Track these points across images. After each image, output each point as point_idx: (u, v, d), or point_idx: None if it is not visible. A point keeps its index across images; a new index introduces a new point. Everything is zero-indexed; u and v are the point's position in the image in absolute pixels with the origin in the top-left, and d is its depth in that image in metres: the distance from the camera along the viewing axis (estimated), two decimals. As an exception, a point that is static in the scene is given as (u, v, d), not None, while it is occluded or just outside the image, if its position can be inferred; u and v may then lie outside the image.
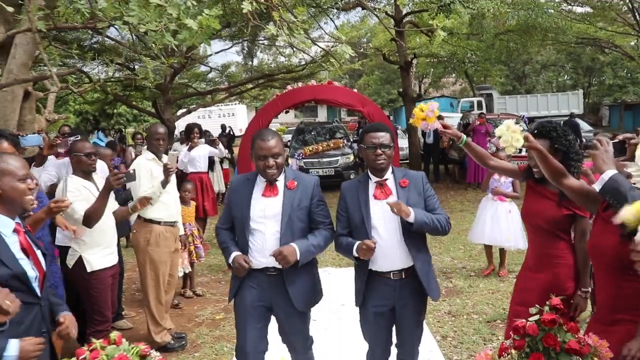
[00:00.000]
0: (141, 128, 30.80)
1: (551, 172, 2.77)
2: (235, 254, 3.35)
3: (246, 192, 3.42)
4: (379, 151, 3.31)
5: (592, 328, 2.47)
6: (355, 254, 3.29)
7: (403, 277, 3.36)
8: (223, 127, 20.10)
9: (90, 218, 3.86)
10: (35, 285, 2.47)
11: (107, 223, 4.13)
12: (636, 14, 17.81)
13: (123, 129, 29.65)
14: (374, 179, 3.42)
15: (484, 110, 28.12)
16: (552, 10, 16.55)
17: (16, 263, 2.37)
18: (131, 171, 4.26)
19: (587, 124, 26.11)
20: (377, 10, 12.17)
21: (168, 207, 4.96)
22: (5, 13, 4.24)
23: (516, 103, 31.32)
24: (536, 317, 2.15)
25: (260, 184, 3.42)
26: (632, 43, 22.47)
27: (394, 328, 3.55)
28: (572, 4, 16.95)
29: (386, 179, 3.41)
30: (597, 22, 19.03)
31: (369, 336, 3.58)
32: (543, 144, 3.04)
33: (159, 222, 4.91)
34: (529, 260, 3.45)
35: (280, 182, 3.42)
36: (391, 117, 41.40)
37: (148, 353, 2.19)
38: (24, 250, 2.45)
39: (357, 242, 3.26)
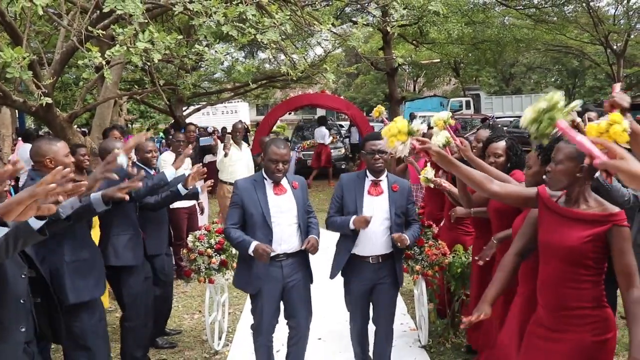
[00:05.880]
0: (149, 124, 32.28)
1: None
2: (255, 243, 3.61)
3: (260, 191, 3.77)
4: (377, 156, 3.79)
5: (533, 332, 2.70)
6: (352, 226, 3.76)
7: (380, 261, 3.89)
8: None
9: None
10: None
11: None
12: (597, 26, 20.02)
13: (131, 125, 31.32)
14: (370, 177, 3.90)
15: (472, 110, 30.26)
16: (522, 21, 18.82)
17: None
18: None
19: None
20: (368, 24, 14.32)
21: (233, 172, 7.38)
22: (102, 45, 6.22)
23: (502, 103, 32.87)
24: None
25: (269, 184, 3.79)
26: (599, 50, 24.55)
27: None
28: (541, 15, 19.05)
29: (381, 180, 3.90)
30: (568, 32, 21.24)
31: (352, 308, 4.06)
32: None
33: (225, 182, 7.52)
34: None
35: (284, 182, 3.84)
36: (387, 116, 43.23)
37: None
38: None
39: (354, 216, 3.77)
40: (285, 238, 3.75)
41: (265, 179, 3.79)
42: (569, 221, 2.51)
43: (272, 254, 3.64)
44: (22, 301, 2.78)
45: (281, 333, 4.04)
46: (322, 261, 4.17)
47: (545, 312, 2.63)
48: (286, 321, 3.96)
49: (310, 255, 3.89)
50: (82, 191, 2.22)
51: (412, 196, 4.02)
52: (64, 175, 2.03)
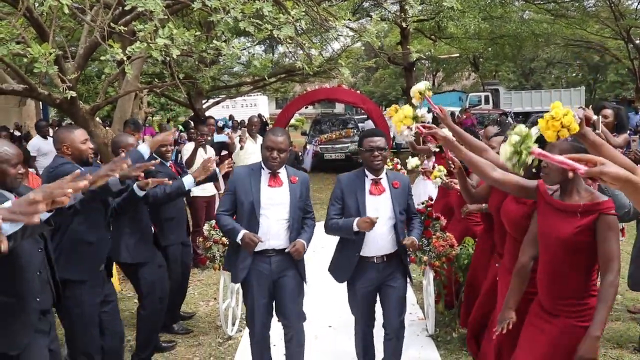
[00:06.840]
0: (168, 117, 32.66)
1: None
2: (243, 231, 3.58)
3: (254, 181, 3.67)
4: (376, 153, 3.62)
5: (533, 311, 2.86)
6: (355, 227, 3.56)
7: (385, 260, 3.77)
8: (260, 115, 22.50)
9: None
10: None
11: None
12: (619, 20, 19.79)
13: (151, 117, 31.64)
14: (370, 176, 3.73)
15: (491, 105, 30.09)
16: (542, 15, 18.72)
17: None
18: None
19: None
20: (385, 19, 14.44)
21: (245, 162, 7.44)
22: (124, 40, 6.39)
23: (521, 98, 32.64)
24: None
25: (265, 175, 3.70)
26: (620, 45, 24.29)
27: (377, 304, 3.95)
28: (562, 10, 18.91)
29: (381, 178, 3.74)
30: (588, 27, 21.06)
31: (356, 311, 3.94)
32: None
33: None
34: None
35: (283, 175, 3.73)
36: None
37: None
38: None
39: (357, 218, 3.59)
40: (273, 233, 3.66)
41: (263, 169, 3.71)
42: (562, 213, 2.64)
43: (261, 248, 3.63)
44: (38, 273, 3.01)
45: (277, 328, 4.03)
46: (329, 255, 4.16)
47: (543, 297, 2.79)
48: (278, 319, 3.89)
49: (305, 253, 3.83)
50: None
51: (410, 188, 3.93)
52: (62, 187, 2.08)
